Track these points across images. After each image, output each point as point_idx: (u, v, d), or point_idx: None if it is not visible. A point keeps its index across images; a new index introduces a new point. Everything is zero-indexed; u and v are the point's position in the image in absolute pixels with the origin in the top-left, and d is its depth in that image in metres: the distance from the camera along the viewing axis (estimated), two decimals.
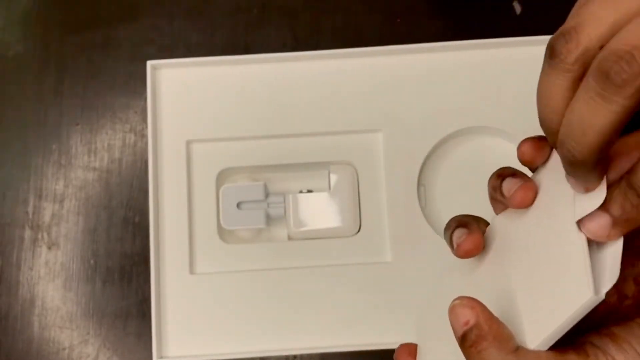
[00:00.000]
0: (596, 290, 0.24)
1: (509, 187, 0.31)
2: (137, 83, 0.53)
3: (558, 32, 0.24)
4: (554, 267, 0.27)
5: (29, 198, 0.52)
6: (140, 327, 0.50)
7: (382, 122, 0.50)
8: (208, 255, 0.49)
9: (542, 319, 0.26)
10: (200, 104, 0.50)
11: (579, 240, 0.26)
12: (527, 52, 0.51)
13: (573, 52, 0.24)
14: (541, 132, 0.29)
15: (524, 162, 0.31)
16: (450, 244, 0.31)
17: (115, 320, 0.50)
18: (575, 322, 0.25)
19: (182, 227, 0.49)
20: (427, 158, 0.49)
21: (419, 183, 0.50)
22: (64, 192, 0.52)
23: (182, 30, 0.54)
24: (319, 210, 0.49)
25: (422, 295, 0.44)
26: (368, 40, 0.52)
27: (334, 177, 0.50)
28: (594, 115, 0.23)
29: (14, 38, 0.55)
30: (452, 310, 0.28)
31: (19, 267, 0.51)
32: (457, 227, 0.31)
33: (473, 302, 0.27)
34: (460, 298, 0.28)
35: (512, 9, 0.54)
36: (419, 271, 0.48)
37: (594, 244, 0.26)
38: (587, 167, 0.25)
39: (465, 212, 0.49)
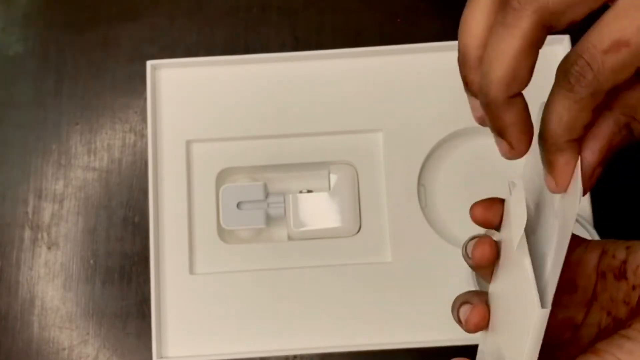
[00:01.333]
0: (543, 304, 0.26)
1: (470, 247, 0.31)
2: (137, 83, 0.53)
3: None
4: (516, 304, 0.28)
5: (29, 198, 0.52)
6: (140, 327, 0.50)
7: (382, 122, 0.50)
8: (208, 255, 0.49)
9: (518, 343, 0.27)
10: (200, 104, 0.50)
11: (526, 267, 0.27)
12: None
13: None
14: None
15: (480, 224, 0.32)
16: (459, 322, 0.32)
17: (115, 321, 0.50)
18: (538, 342, 0.26)
19: (182, 227, 0.49)
20: (427, 158, 0.49)
21: (419, 183, 0.50)
22: (64, 192, 0.52)
23: (182, 30, 0.54)
24: (318, 210, 0.49)
25: None
26: (368, 40, 0.52)
27: (334, 177, 0.50)
28: (499, 44, 0.24)
29: (14, 38, 0.55)
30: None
31: (19, 267, 0.51)
32: (461, 305, 0.32)
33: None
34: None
35: None
36: (419, 271, 0.48)
37: (538, 267, 0.27)
38: (499, 106, 0.26)
39: (465, 211, 0.50)
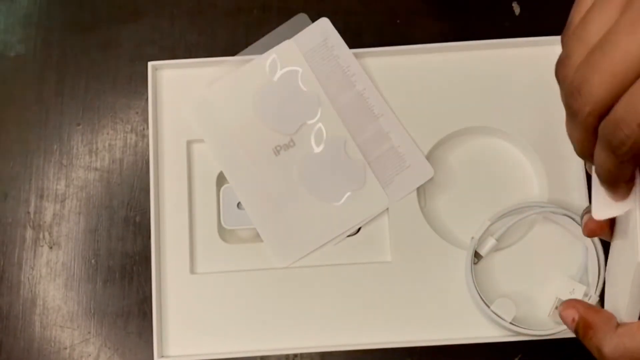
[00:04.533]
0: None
1: (584, 220, 0.35)
2: (138, 83, 0.53)
3: (569, 86, 0.27)
4: (628, 248, 0.31)
5: (31, 198, 0.52)
6: (141, 327, 0.50)
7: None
8: (209, 254, 0.49)
9: (626, 293, 0.31)
10: (200, 104, 0.50)
11: (637, 217, 0.30)
12: (527, 52, 0.51)
13: (584, 110, 0.27)
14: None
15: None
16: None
17: (116, 320, 0.50)
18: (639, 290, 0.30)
19: (183, 227, 0.49)
20: (427, 158, 0.49)
21: None
22: (65, 192, 0.52)
23: (182, 31, 0.54)
24: None
25: None
26: (368, 41, 0.52)
27: None
28: (606, 163, 0.28)
29: (16, 38, 0.55)
30: (560, 315, 0.34)
31: (21, 267, 0.51)
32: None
33: (573, 302, 0.33)
34: (562, 303, 0.34)
35: (512, 9, 0.54)
36: (419, 271, 0.48)
37: None
38: (612, 187, 0.30)
39: (465, 211, 0.50)
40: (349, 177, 0.49)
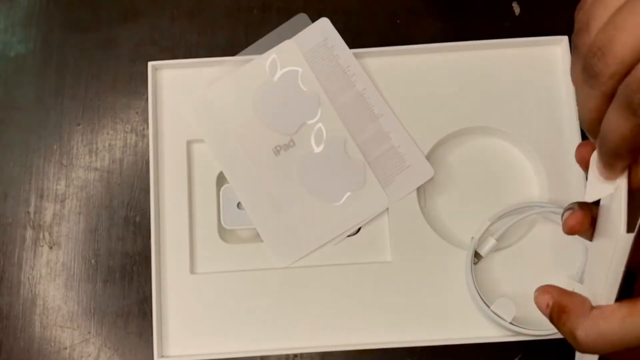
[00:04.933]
0: (628, 229, 0.28)
1: (564, 217, 0.35)
2: (138, 83, 0.54)
3: (591, 47, 0.26)
4: (608, 234, 0.31)
5: (31, 198, 0.52)
6: (141, 327, 0.50)
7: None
8: (209, 254, 0.49)
9: (605, 276, 0.30)
10: (200, 104, 0.50)
11: (622, 190, 0.29)
12: (527, 52, 0.51)
13: (606, 72, 0.26)
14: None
15: (583, 164, 0.34)
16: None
17: (116, 320, 0.50)
18: (621, 265, 0.29)
19: (183, 227, 0.49)
20: (427, 158, 0.49)
21: None
22: (65, 192, 0.52)
23: (182, 30, 0.54)
24: None
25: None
26: (368, 41, 0.52)
27: None
28: (619, 128, 0.26)
29: (16, 38, 0.55)
30: (535, 301, 0.33)
31: (21, 267, 0.51)
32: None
33: (547, 288, 0.33)
34: (537, 289, 0.34)
35: (512, 9, 0.54)
36: (419, 271, 0.48)
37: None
38: (613, 160, 0.29)
39: (465, 211, 0.50)
40: (349, 177, 0.49)
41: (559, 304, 0.32)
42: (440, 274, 0.48)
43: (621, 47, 0.25)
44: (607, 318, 0.30)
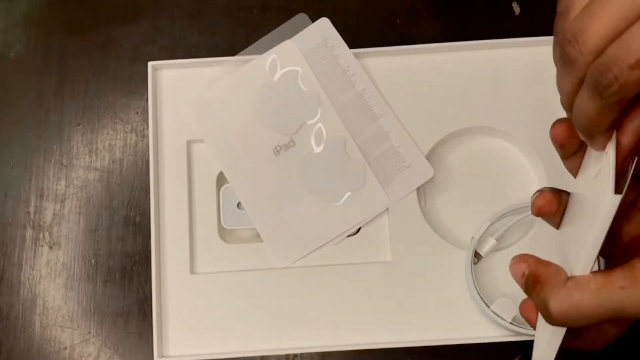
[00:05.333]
0: (616, 191, 0.28)
1: (533, 198, 0.35)
2: (138, 83, 0.54)
3: (566, 34, 0.27)
4: (591, 198, 0.31)
5: (31, 198, 0.52)
6: (141, 327, 0.50)
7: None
8: (209, 254, 0.49)
9: (582, 246, 0.30)
10: (200, 104, 0.50)
11: (610, 155, 0.29)
12: (527, 52, 0.51)
13: (579, 58, 0.27)
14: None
15: (558, 144, 0.34)
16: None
17: (116, 320, 0.50)
18: (604, 230, 0.28)
19: (183, 227, 0.49)
20: (427, 158, 0.49)
21: None
22: (65, 192, 0.52)
23: (182, 30, 0.54)
24: None
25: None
26: (368, 41, 0.52)
27: None
28: (588, 108, 0.28)
29: (16, 38, 0.55)
30: (510, 269, 0.32)
31: (21, 267, 0.51)
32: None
33: (523, 257, 0.32)
34: (513, 258, 0.33)
35: (512, 9, 0.54)
36: (418, 271, 0.48)
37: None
38: (588, 137, 0.30)
39: (465, 211, 0.50)
40: (349, 177, 0.49)
41: (534, 273, 0.31)
42: (440, 274, 0.48)
43: (592, 35, 0.26)
44: (581, 289, 0.29)
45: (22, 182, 0.52)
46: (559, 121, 0.33)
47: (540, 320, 0.33)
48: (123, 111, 0.54)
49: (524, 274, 0.32)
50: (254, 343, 0.48)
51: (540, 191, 0.34)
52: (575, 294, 0.29)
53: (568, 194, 0.34)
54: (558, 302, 0.30)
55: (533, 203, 0.34)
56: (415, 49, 0.51)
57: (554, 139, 0.34)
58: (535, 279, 0.31)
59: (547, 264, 0.31)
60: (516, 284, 0.48)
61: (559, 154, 0.35)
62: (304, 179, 0.49)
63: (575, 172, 0.35)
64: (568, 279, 0.30)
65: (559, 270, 0.31)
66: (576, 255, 0.30)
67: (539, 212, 0.34)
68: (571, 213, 0.33)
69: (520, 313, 0.36)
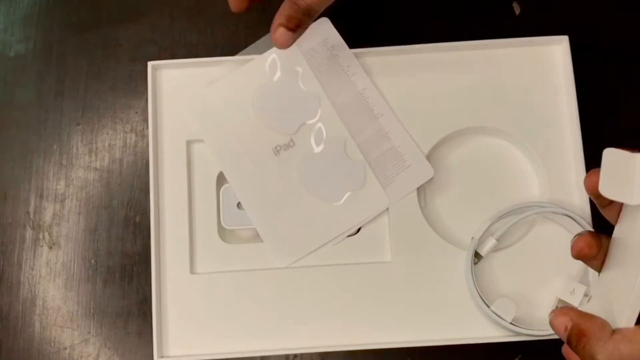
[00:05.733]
0: None
1: (573, 241, 0.37)
2: (138, 83, 0.53)
3: None
4: (630, 255, 0.31)
5: (30, 198, 0.52)
6: (141, 327, 0.50)
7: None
8: (208, 254, 0.49)
9: (626, 295, 0.30)
10: (200, 104, 0.50)
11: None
12: (527, 52, 0.51)
13: None
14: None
15: (592, 193, 0.35)
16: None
17: (116, 320, 0.50)
18: None
19: (183, 227, 0.49)
20: (427, 158, 0.49)
21: None
22: (65, 192, 0.52)
23: (182, 30, 0.54)
24: None
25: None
26: (368, 41, 0.52)
27: None
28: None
29: (15, 38, 0.55)
30: (551, 322, 0.33)
31: (20, 267, 0.51)
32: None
33: (565, 310, 0.33)
34: (553, 311, 0.34)
35: (512, 9, 0.54)
36: (419, 271, 0.48)
37: None
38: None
39: (465, 211, 0.50)
40: (349, 177, 0.49)
41: (578, 327, 0.32)
42: (440, 274, 0.48)
43: None
44: (629, 341, 0.30)
45: (22, 182, 0.52)
46: (593, 172, 0.34)
47: None
48: (123, 111, 0.53)
49: (566, 328, 0.32)
50: (254, 343, 0.48)
51: (580, 234, 0.35)
52: (622, 346, 0.30)
53: (609, 238, 0.35)
54: (607, 355, 0.30)
55: (573, 245, 0.35)
56: (416, 48, 0.51)
57: (588, 190, 0.35)
58: (580, 332, 0.31)
59: (590, 317, 0.32)
60: (516, 284, 0.48)
61: (596, 204, 0.35)
62: (303, 178, 0.49)
63: (614, 219, 0.35)
64: (614, 331, 0.31)
65: (603, 323, 0.31)
66: (619, 304, 0.31)
67: (579, 255, 0.35)
68: (613, 258, 0.33)
69: (565, 355, 0.37)
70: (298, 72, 0.50)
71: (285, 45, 0.42)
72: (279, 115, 0.50)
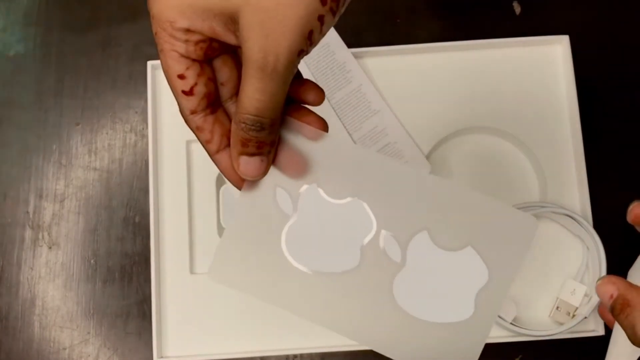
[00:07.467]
0: None
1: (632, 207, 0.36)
2: (137, 83, 0.53)
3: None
4: None
5: (30, 198, 0.52)
6: (140, 327, 0.50)
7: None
8: (208, 255, 0.49)
9: None
10: None
11: None
12: (527, 52, 0.51)
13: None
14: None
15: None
16: (628, 214, 0.36)
17: (116, 320, 0.50)
18: None
19: (183, 227, 0.49)
20: (427, 158, 0.49)
21: None
22: (65, 192, 0.52)
23: None
24: None
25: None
26: (368, 40, 0.52)
27: None
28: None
29: (15, 38, 0.55)
30: (598, 288, 0.34)
31: (20, 267, 0.51)
32: (636, 201, 0.36)
33: (613, 278, 0.33)
34: (602, 278, 0.34)
35: (512, 9, 0.54)
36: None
37: None
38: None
39: None
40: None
41: (623, 297, 0.32)
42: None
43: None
44: None
45: (21, 182, 0.52)
46: (637, 206, 0.35)
47: (621, 337, 0.34)
48: (122, 111, 0.53)
49: (612, 295, 0.33)
50: (254, 343, 0.48)
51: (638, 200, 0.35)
52: None
53: None
54: None
55: (632, 210, 0.35)
56: (415, 48, 0.51)
57: (633, 221, 0.36)
58: (625, 302, 0.32)
59: (637, 288, 0.33)
60: (516, 284, 0.48)
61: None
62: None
63: None
64: None
65: None
66: None
67: (636, 219, 0.36)
68: None
69: (600, 314, 0.38)
70: None
71: (258, 174, 0.31)
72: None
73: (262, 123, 0.29)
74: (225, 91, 0.32)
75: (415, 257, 0.32)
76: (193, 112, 0.32)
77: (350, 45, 0.50)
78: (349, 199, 0.33)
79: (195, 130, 0.32)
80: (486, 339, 0.32)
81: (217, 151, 0.32)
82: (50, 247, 0.51)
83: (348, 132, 0.49)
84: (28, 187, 0.52)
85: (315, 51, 0.50)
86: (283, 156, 0.32)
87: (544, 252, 0.48)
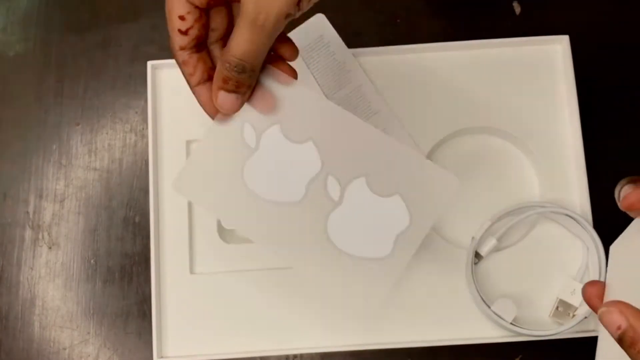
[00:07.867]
0: None
1: (623, 192, 0.33)
2: (137, 83, 0.53)
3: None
4: None
5: (30, 198, 0.52)
6: (140, 327, 0.50)
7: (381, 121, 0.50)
8: (208, 255, 0.49)
9: None
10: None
11: None
12: (527, 51, 0.51)
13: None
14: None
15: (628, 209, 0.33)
16: (618, 198, 0.33)
17: (116, 320, 0.50)
18: None
19: (183, 227, 0.49)
20: (427, 157, 0.49)
21: None
22: (65, 192, 0.52)
23: None
24: None
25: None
26: (368, 40, 0.52)
27: None
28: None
29: (15, 38, 0.55)
30: (602, 317, 0.30)
31: (20, 267, 0.51)
32: (627, 183, 0.33)
33: (619, 306, 0.30)
34: (607, 304, 0.30)
35: (512, 9, 0.54)
36: (419, 271, 0.48)
37: None
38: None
39: (465, 211, 0.50)
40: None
41: (634, 329, 0.29)
42: (440, 274, 0.48)
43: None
44: None
45: (21, 182, 0.52)
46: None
47: (614, 347, 0.31)
48: (122, 111, 0.53)
49: (620, 327, 0.30)
50: (254, 343, 0.48)
51: (630, 181, 0.32)
52: None
53: None
54: None
55: (625, 198, 0.32)
56: (415, 48, 0.51)
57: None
58: (636, 335, 0.29)
59: None
60: (516, 284, 0.48)
61: None
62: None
63: None
64: None
65: None
66: None
67: (630, 207, 0.32)
68: None
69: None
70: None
71: (232, 109, 0.37)
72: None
73: (244, 67, 0.35)
74: (213, 36, 0.37)
75: (351, 198, 0.38)
76: (182, 48, 0.37)
77: (350, 45, 0.50)
78: (304, 142, 0.38)
79: (182, 64, 0.37)
80: (397, 277, 0.37)
81: (198, 84, 0.37)
82: (50, 247, 0.51)
83: None
84: (28, 187, 0.52)
85: (315, 51, 0.50)
86: (256, 95, 0.38)
87: (544, 252, 0.48)
